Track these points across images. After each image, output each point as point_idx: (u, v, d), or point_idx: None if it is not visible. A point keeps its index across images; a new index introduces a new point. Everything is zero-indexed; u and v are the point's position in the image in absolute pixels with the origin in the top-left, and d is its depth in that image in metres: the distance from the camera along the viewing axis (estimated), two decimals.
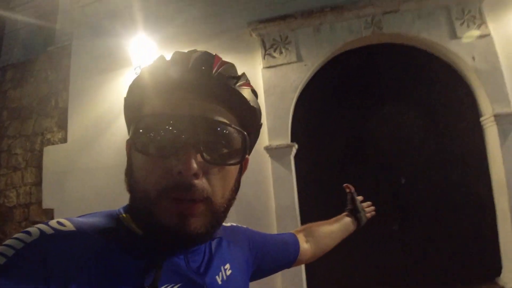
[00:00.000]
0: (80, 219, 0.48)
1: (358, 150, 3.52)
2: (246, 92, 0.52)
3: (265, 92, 3.44)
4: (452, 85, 3.46)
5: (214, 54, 0.51)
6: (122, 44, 3.86)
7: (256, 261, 0.74)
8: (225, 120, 0.48)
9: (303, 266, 3.32)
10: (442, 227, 3.36)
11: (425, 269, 3.33)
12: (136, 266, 0.45)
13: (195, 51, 0.51)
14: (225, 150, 0.48)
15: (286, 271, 3.24)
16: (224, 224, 0.69)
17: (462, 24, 3.36)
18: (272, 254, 0.81)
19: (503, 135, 3.23)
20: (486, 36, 3.35)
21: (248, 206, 3.44)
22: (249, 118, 0.53)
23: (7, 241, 0.39)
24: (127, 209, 0.53)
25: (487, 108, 3.30)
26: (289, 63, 3.45)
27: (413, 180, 3.39)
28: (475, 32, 3.35)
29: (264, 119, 3.43)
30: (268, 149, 3.36)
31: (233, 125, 0.49)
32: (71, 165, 4.01)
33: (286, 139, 3.38)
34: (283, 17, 3.47)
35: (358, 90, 3.54)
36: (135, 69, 3.66)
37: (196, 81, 0.48)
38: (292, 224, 3.30)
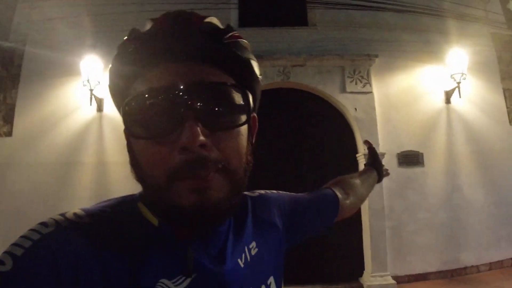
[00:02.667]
0: (96, 210, 0.47)
1: (259, 172, 4.53)
2: (236, 45, 0.47)
3: None
4: (339, 127, 4.62)
5: (190, 11, 0.47)
6: (73, 55, 4.49)
7: (291, 229, 0.68)
8: (220, 80, 0.45)
9: None
10: (319, 237, 4.47)
11: (302, 268, 4.38)
12: (153, 259, 0.44)
13: (168, 13, 0.46)
14: (228, 112, 0.46)
15: None
16: (250, 194, 0.68)
17: (351, 81, 4.53)
18: (310, 218, 0.75)
19: None
20: (368, 93, 4.55)
21: None
22: (245, 72, 0.49)
23: (25, 233, 0.40)
24: (142, 196, 0.50)
25: (361, 148, 4.49)
26: None
27: None
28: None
29: None
30: None
31: (229, 83, 0.46)
32: (13, 158, 4.55)
33: None
34: None
35: (268, 124, 4.56)
36: (83, 82, 4.37)
37: (179, 44, 0.44)
38: None
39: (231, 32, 0.47)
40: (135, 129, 0.44)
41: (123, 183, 4.25)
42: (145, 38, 0.45)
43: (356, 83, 4.53)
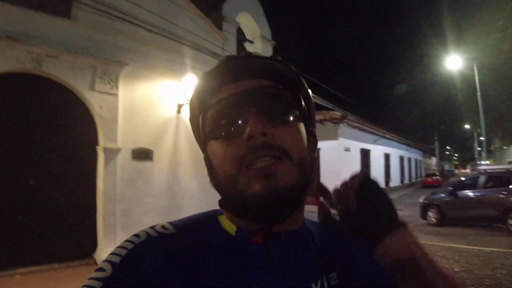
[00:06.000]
0: (181, 222, 0.56)
1: (12, 157, 4.81)
2: (281, 61, 0.60)
3: None
4: (84, 122, 5.42)
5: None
6: None
7: None
8: (273, 84, 0.56)
9: None
10: (57, 219, 5.09)
11: (38, 248, 4.88)
12: (229, 265, 0.50)
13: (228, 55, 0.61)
14: (282, 109, 0.55)
15: None
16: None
17: (101, 82, 5.41)
18: None
19: (107, 161, 5.46)
20: (114, 95, 5.60)
21: None
22: (295, 84, 0.60)
23: (122, 243, 0.50)
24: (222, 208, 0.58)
25: (101, 142, 5.46)
26: None
27: (40, 183, 4.99)
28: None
29: None
30: None
31: (280, 86, 0.56)
32: None
33: None
34: None
35: (11, 109, 4.79)
36: None
37: (237, 68, 0.57)
38: None
39: (277, 57, 0.61)
40: (212, 133, 0.55)
41: None
42: (216, 69, 0.58)
43: (105, 84, 5.44)
